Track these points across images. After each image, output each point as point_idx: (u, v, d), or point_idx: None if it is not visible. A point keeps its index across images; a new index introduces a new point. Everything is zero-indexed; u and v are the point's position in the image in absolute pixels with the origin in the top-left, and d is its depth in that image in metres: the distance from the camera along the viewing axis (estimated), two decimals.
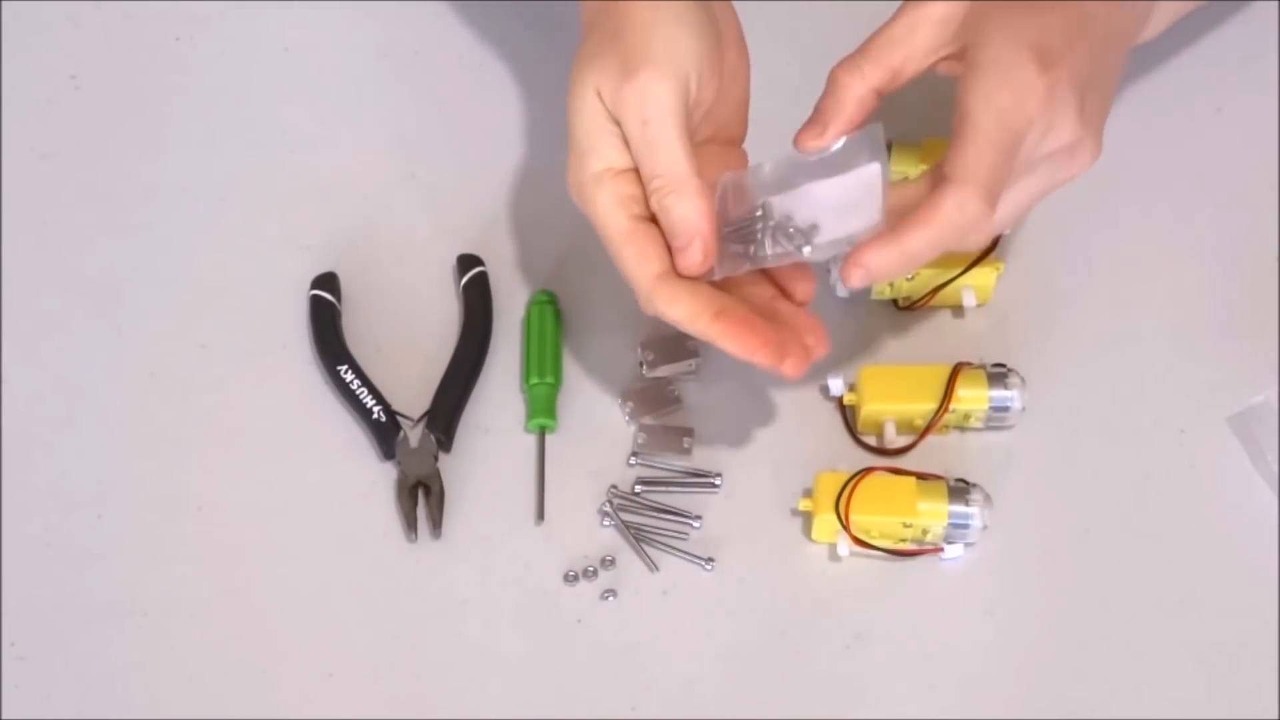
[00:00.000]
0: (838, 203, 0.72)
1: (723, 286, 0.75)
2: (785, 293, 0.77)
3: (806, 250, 0.72)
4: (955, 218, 0.69)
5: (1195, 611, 0.80)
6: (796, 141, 0.74)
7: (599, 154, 0.73)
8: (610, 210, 0.74)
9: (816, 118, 0.74)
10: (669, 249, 0.73)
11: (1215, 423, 0.84)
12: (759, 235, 0.73)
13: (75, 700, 0.79)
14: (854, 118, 0.73)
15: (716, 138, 0.79)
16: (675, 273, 0.73)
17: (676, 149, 0.72)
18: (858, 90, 0.73)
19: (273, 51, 0.98)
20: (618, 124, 0.73)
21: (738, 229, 0.74)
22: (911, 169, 0.86)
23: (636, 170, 0.74)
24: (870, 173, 0.71)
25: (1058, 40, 0.70)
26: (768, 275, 0.77)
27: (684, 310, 0.73)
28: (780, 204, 0.73)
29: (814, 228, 0.72)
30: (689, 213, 0.72)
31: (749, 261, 0.73)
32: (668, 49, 0.72)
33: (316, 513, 0.83)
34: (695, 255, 0.73)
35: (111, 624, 0.81)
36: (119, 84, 0.96)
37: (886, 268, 0.70)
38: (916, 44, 0.73)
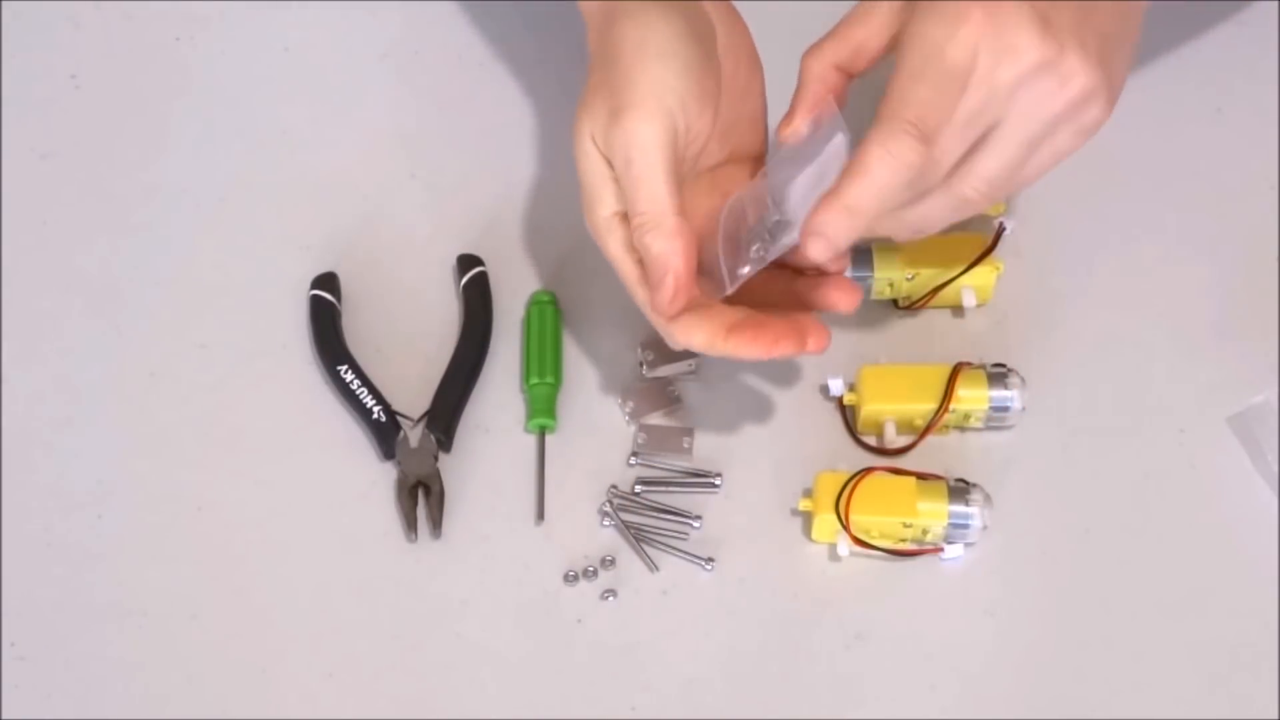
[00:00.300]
0: (817, 185, 0.72)
1: (742, 292, 0.75)
2: (821, 292, 0.77)
3: (787, 239, 0.72)
4: (886, 159, 0.68)
5: (1195, 611, 0.80)
6: (777, 135, 0.75)
7: (603, 201, 0.74)
8: (621, 254, 0.74)
9: (789, 109, 0.75)
10: None
11: (1215, 423, 0.84)
12: (765, 237, 0.73)
13: (75, 700, 0.79)
14: (819, 95, 0.74)
15: (734, 157, 0.79)
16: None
17: (657, 186, 0.72)
18: (817, 69, 0.74)
19: (273, 51, 0.98)
20: (613, 167, 0.73)
21: (748, 238, 0.74)
22: None
23: None
24: (836, 145, 0.72)
25: None
26: (784, 266, 0.77)
27: (702, 337, 0.74)
28: (775, 201, 0.73)
29: (797, 212, 0.72)
30: (663, 249, 0.72)
31: (750, 266, 0.74)
32: (651, 87, 0.72)
33: (316, 513, 0.83)
34: (666, 292, 0.72)
35: (111, 624, 0.81)
36: (119, 84, 0.96)
37: (839, 227, 0.69)
38: (876, 19, 0.73)
